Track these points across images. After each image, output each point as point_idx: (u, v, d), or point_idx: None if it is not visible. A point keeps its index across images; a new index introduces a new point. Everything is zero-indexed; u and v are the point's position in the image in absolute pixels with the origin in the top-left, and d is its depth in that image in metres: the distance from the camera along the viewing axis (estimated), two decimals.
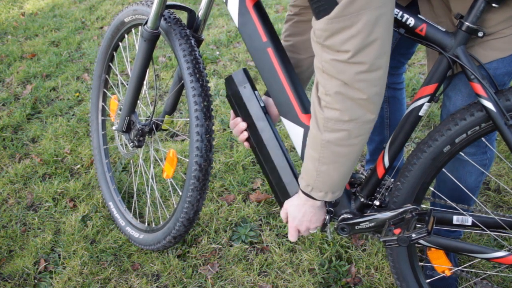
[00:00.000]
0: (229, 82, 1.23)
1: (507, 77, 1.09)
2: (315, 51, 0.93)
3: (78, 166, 2.20)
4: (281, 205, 1.23)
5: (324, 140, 0.97)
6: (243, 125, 1.23)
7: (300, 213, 1.15)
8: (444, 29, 1.03)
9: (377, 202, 1.20)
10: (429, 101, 1.07)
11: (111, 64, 1.82)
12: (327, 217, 1.21)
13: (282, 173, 1.20)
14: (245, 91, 1.21)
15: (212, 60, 3.04)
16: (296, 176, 1.20)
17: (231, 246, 1.72)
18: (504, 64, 1.05)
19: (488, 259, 1.14)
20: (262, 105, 1.21)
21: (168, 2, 1.38)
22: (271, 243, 1.70)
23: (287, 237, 1.72)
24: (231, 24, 3.56)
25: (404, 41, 1.47)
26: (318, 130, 0.97)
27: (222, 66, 2.98)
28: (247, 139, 1.24)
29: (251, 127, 1.22)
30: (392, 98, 1.64)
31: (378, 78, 0.90)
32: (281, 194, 1.22)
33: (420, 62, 2.81)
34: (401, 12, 1.04)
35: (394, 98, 1.63)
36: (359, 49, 0.85)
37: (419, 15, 1.04)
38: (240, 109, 1.22)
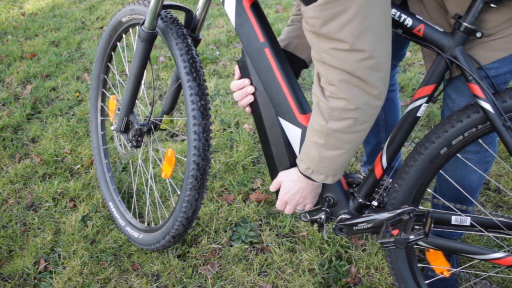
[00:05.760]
0: None
1: (509, 75, 1.08)
2: (310, 41, 0.90)
3: (78, 166, 2.21)
4: (273, 176, 1.22)
5: (330, 129, 0.96)
6: (251, 88, 1.18)
7: (295, 188, 1.15)
8: (442, 30, 1.02)
9: (375, 203, 1.20)
10: (427, 102, 1.06)
11: (109, 64, 1.82)
12: (323, 217, 1.21)
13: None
14: None
15: (212, 60, 3.03)
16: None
17: (231, 246, 1.72)
18: (505, 62, 1.05)
19: (486, 260, 1.13)
20: None
21: (165, 2, 1.37)
22: (271, 243, 1.70)
23: (287, 237, 1.72)
24: (231, 24, 3.56)
25: (395, 43, 1.46)
26: (323, 119, 0.96)
27: (222, 66, 2.97)
28: (251, 104, 1.20)
29: (261, 92, 1.17)
30: (386, 100, 1.62)
31: (381, 63, 0.87)
32: (278, 162, 1.21)
33: (420, 62, 2.80)
34: (398, 12, 1.03)
35: (388, 100, 1.62)
36: (357, 35, 0.82)
37: (417, 16, 1.03)
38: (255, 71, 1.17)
